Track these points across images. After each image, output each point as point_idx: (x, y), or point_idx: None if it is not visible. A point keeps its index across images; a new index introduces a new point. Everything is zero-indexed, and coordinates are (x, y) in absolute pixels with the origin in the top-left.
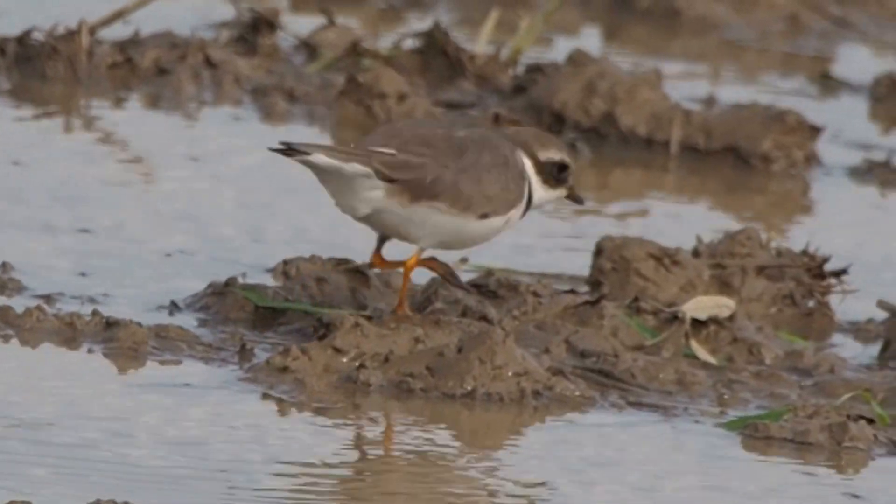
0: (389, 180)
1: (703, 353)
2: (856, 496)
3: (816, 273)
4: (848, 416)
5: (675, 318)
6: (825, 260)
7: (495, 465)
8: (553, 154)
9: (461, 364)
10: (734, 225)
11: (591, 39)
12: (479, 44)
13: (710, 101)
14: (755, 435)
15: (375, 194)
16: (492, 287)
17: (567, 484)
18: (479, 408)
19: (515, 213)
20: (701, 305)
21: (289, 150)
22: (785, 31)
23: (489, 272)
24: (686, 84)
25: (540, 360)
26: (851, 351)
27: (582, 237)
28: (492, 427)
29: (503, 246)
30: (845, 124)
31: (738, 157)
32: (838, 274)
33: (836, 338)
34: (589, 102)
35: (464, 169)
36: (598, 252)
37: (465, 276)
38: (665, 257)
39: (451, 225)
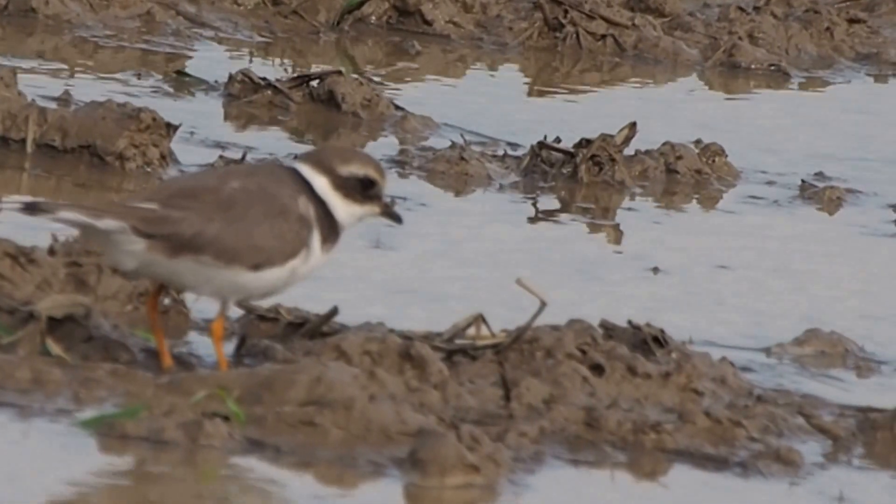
0: (148, 236)
1: (58, 351)
2: (225, 498)
3: None
4: (203, 414)
5: (31, 317)
6: None
7: None
8: (356, 169)
9: None
10: None
11: None
12: None
13: (66, 100)
14: (111, 434)
15: (137, 248)
16: None
17: None
18: None
19: (299, 262)
20: (57, 304)
21: (33, 208)
22: (141, 28)
23: None
24: (42, 82)
25: None
26: (207, 348)
27: None
28: None
29: None
30: (201, 122)
31: (94, 156)
32: None
33: (192, 335)
34: None
35: (230, 221)
36: None
37: None
38: (21, 256)
39: (222, 277)
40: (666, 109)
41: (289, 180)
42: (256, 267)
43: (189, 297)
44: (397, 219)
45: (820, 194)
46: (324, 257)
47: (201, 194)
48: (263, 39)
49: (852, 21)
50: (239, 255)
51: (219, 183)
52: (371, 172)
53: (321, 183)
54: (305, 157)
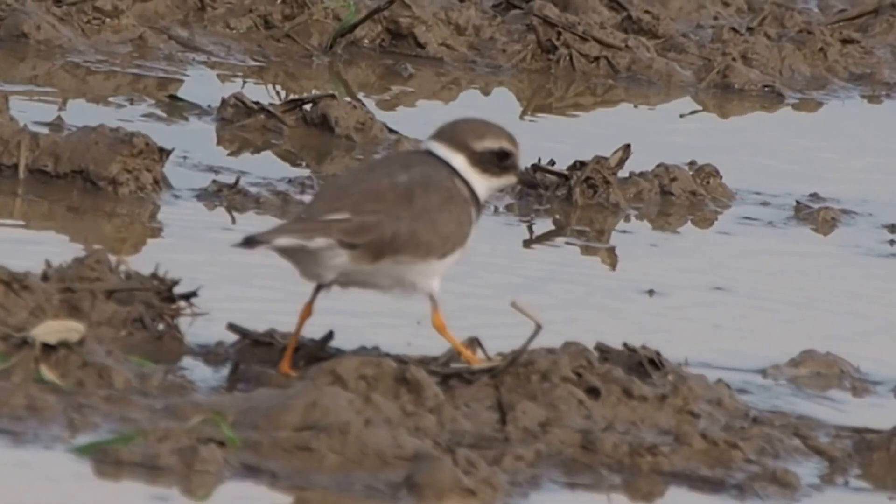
0: (352, 247)
1: (52, 378)
2: None
3: (166, 296)
4: (198, 439)
5: (24, 343)
6: (174, 283)
7: None
8: (490, 143)
9: None
10: (84, 249)
11: None
12: None
13: (58, 125)
14: (105, 460)
15: (340, 261)
16: None
17: None
18: None
19: (470, 240)
20: (50, 330)
21: (251, 242)
22: (133, 53)
23: None
24: (34, 107)
25: None
26: (202, 374)
27: None
28: None
29: None
30: (194, 146)
31: (87, 181)
32: (188, 297)
33: (187, 361)
34: None
35: (417, 216)
36: None
37: None
38: (14, 282)
39: (416, 271)
40: (660, 131)
41: (437, 164)
42: (444, 255)
43: (184, 322)
44: (534, 184)
45: (814, 215)
46: (475, 233)
47: (383, 193)
48: (256, 63)
49: (846, 41)
50: (432, 247)
51: (389, 179)
52: (505, 144)
53: (459, 161)
54: (438, 137)
